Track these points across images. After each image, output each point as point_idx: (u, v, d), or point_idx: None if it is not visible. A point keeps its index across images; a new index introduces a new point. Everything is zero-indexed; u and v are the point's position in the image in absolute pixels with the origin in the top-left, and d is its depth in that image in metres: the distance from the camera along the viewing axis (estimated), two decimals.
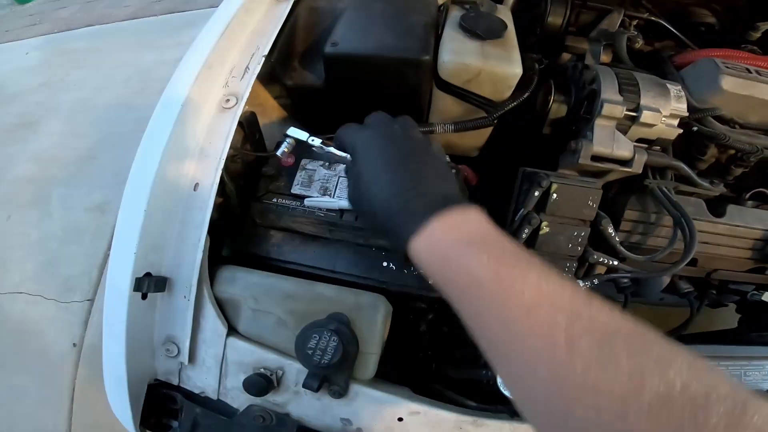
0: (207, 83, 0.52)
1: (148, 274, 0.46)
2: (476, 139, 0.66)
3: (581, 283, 0.55)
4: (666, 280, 0.62)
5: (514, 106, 0.57)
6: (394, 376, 0.51)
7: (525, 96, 0.58)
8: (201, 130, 0.50)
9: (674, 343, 0.23)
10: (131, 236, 0.46)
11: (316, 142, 0.45)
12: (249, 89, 0.52)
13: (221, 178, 0.48)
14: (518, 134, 0.66)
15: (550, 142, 0.61)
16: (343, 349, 0.42)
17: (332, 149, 0.43)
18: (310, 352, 0.42)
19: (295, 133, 0.47)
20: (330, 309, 0.46)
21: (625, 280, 0.58)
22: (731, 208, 0.60)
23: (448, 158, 0.51)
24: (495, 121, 0.57)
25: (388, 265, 0.52)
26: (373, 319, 0.46)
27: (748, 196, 0.63)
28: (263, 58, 0.54)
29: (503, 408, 0.48)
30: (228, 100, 0.52)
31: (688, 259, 0.52)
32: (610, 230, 0.53)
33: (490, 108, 0.57)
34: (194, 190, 0.48)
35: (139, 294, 0.45)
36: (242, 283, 0.49)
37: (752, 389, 0.23)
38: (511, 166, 0.57)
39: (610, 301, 0.26)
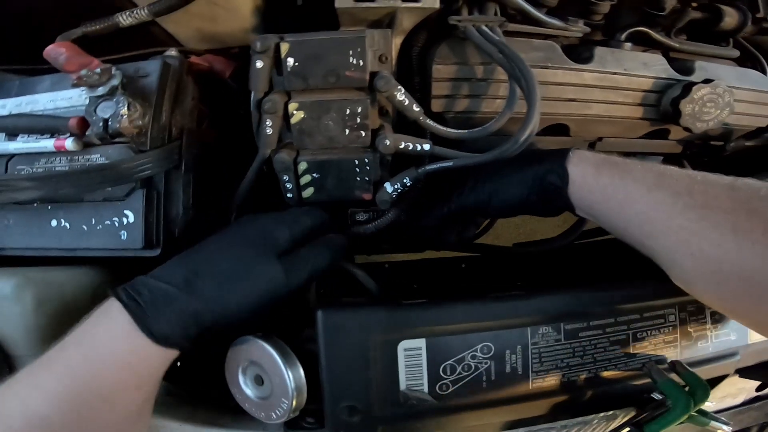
0: None
1: None
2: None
3: (389, 188, 0.37)
4: None
5: None
6: None
7: None
8: None
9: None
10: None
11: None
12: None
13: None
14: None
15: None
16: None
17: None
18: None
19: None
20: None
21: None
22: (600, 51, 0.38)
23: None
24: None
25: (60, 224, 0.35)
26: (12, 310, 0.32)
27: (623, 37, 0.40)
28: None
29: None
30: None
31: (534, 121, 0.33)
32: (400, 96, 0.34)
33: None
34: None
35: None
36: None
37: None
38: None
39: None
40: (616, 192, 0.31)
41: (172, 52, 0.38)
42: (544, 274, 0.46)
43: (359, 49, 0.32)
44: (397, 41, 0.37)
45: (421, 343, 0.29)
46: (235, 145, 0.41)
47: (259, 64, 0.32)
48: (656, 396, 0.36)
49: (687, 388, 0.34)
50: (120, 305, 0.28)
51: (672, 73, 0.39)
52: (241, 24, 0.41)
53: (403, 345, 0.29)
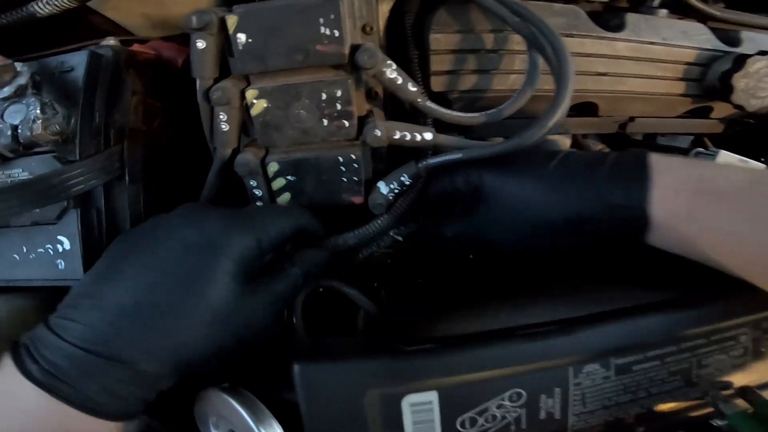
0: None
1: None
2: None
3: (383, 188, 0.29)
4: (563, 143, 0.35)
5: None
6: None
7: None
8: None
9: None
10: None
11: None
12: None
13: None
14: None
15: None
16: None
17: None
18: None
19: None
20: None
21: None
22: (633, 18, 0.31)
23: None
24: None
25: None
26: None
27: (657, 2, 0.33)
28: None
29: None
30: None
31: (566, 99, 0.25)
32: (390, 73, 0.26)
33: None
34: None
35: None
36: None
37: None
38: None
39: None
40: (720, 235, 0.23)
41: (110, 41, 0.31)
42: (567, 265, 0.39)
43: (332, 16, 0.24)
44: (384, 8, 0.30)
45: (431, 396, 0.22)
46: (200, 143, 0.34)
47: (200, 44, 0.24)
48: (717, 423, 0.29)
49: (752, 411, 0.28)
50: (33, 386, 0.20)
51: (718, 44, 0.33)
52: (195, 4, 0.33)
53: (409, 400, 0.22)
